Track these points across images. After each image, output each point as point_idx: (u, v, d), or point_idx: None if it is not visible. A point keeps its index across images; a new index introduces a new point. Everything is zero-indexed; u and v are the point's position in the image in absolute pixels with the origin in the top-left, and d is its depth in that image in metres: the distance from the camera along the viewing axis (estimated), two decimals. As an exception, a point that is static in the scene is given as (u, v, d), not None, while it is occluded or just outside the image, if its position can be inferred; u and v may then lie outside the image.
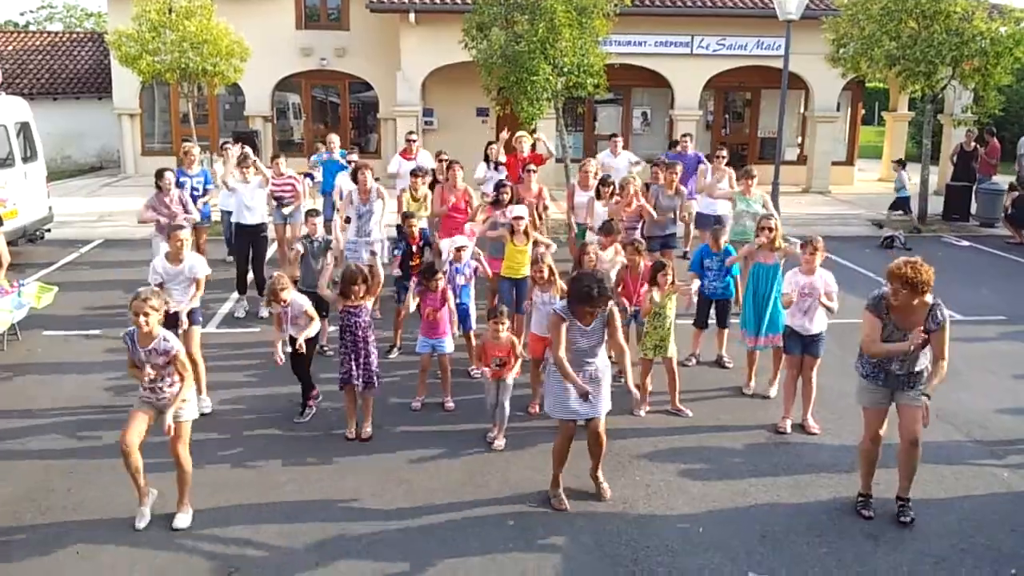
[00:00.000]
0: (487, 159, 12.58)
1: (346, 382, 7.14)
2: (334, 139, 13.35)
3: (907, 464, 5.87)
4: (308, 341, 7.33)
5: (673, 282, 7.66)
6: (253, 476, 6.48)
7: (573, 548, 5.59)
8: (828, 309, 7.13)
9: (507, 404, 7.13)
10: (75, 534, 5.65)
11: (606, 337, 5.96)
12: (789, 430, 7.35)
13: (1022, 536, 5.78)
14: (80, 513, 5.91)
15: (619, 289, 8.24)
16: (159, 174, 10.21)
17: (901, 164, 17.94)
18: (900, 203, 17.10)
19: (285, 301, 7.16)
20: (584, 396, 5.73)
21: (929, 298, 5.53)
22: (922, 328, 5.48)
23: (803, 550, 5.59)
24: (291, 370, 7.50)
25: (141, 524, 5.72)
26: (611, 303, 5.85)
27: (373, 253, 9.67)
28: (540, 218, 10.60)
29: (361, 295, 7.04)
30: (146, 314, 5.44)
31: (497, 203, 9.54)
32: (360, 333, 7.08)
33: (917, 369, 5.72)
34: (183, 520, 5.77)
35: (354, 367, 7.08)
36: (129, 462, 5.65)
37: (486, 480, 6.44)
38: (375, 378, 7.21)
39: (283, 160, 11.79)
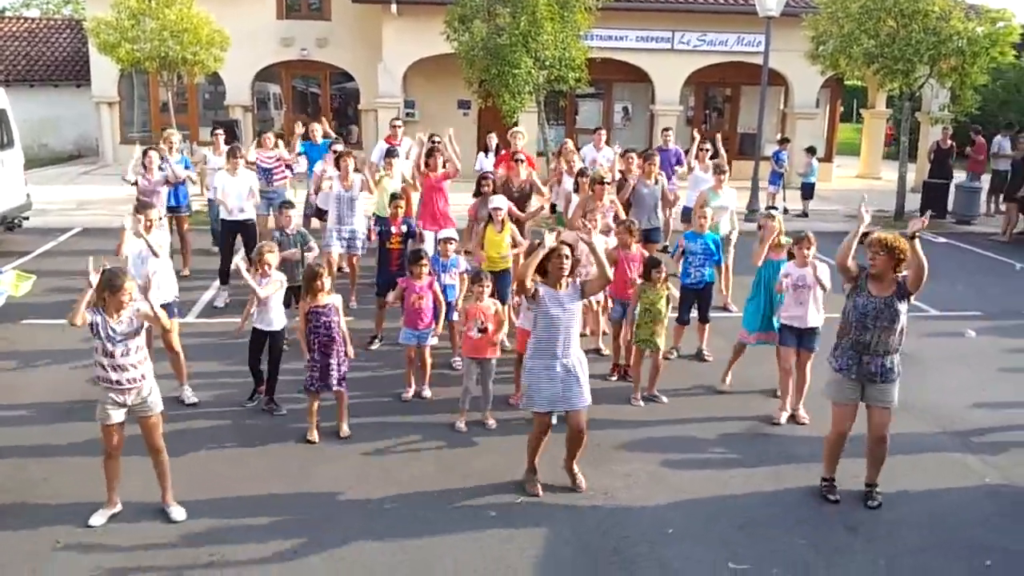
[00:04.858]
0: (486, 150, 12.59)
1: (311, 388, 6.90)
2: (317, 127, 13.11)
3: (875, 456, 6.13)
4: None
5: (666, 279, 7.71)
6: (234, 466, 6.46)
7: (554, 538, 5.62)
8: (822, 287, 7.19)
9: (491, 386, 7.18)
10: (53, 522, 5.61)
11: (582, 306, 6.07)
12: (784, 421, 7.43)
13: (996, 528, 5.88)
14: (58, 501, 5.87)
15: (614, 269, 8.33)
16: (145, 153, 10.50)
17: (811, 152, 18.22)
18: (806, 190, 17.71)
19: (269, 266, 7.15)
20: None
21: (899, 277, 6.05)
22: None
23: (782, 540, 5.66)
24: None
25: (96, 521, 5.63)
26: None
27: (350, 246, 9.68)
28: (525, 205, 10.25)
29: (326, 291, 6.88)
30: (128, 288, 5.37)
31: (480, 194, 9.48)
32: (331, 334, 6.85)
33: (888, 365, 5.88)
34: (179, 512, 5.72)
35: (333, 366, 6.85)
36: (111, 464, 5.64)
37: (467, 470, 6.46)
38: (344, 377, 6.99)
39: (271, 136, 11.80)
